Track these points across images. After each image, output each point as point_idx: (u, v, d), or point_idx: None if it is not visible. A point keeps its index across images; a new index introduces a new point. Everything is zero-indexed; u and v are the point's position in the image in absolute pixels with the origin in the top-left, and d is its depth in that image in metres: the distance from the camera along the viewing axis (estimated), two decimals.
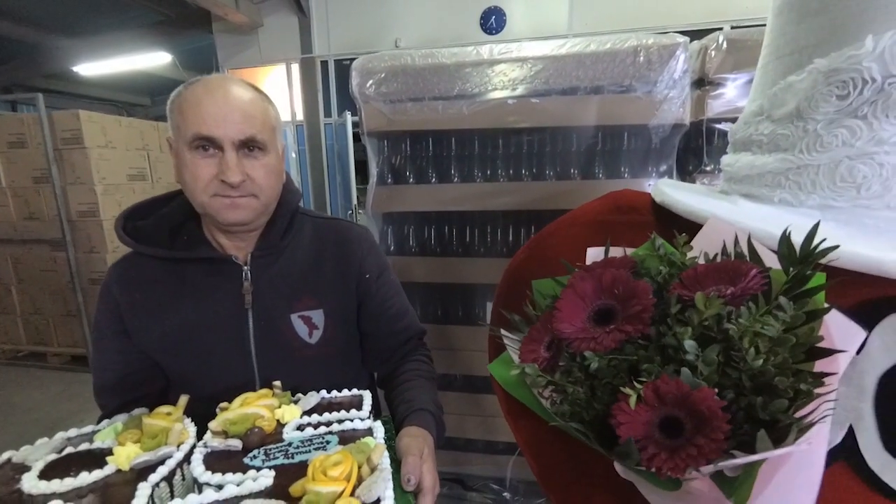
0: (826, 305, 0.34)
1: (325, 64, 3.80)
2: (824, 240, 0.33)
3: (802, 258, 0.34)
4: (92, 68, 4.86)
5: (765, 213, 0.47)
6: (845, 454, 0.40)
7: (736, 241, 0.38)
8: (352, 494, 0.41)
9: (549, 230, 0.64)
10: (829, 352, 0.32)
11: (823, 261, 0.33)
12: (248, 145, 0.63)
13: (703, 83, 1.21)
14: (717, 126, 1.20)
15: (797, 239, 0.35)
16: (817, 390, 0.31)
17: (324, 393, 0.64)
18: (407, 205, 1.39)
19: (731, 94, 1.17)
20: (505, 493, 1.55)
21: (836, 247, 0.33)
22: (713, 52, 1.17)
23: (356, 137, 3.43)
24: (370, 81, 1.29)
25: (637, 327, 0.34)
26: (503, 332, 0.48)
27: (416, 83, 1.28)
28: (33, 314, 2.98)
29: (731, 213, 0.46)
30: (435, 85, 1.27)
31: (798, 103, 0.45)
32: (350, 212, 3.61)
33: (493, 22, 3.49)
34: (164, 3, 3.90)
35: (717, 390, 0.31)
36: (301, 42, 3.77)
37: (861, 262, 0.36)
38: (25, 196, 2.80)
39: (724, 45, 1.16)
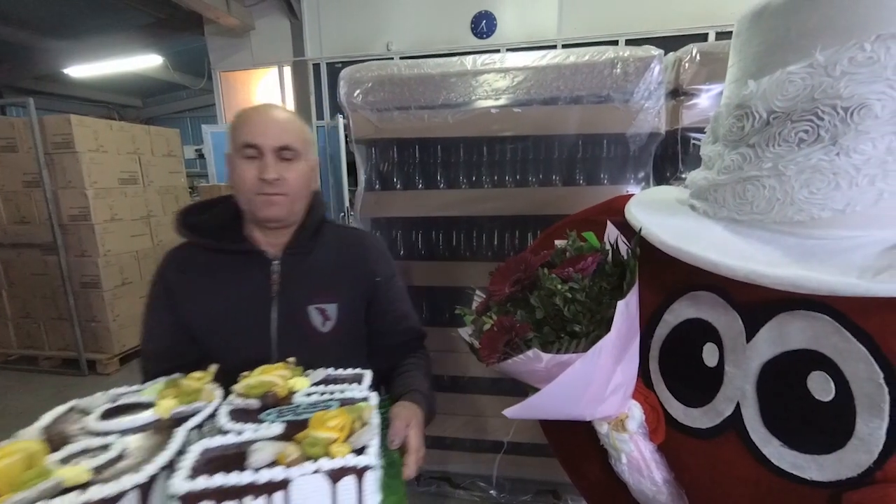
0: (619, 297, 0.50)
1: (317, 67, 3.83)
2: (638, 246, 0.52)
3: (632, 251, 0.51)
4: (83, 70, 4.85)
5: (681, 224, 0.54)
6: (735, 427, 0.48)
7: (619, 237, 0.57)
8: (345, 441, 0.51)
9: (556, 226, 0.77)
10: (611, 319, 0.48)
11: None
12: (284, 151, 0.76)
13: (678, 93, 1.26)
14: (692, 135, 1.25)
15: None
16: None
17: (330, 370, 0.73)
18: (394, 210, 1.43)
19: (705, 104, 1.22)
20: (492, 491, 1.59)
21: (637, 246, 0.52)
22: (687, 64, 1.21)
23: (349, 140, 3.46)
24: (357, 91, 1.33)
25: (517, 288, 0.55)
26: (477, 291, 0.65)
27: (403, 92, 1.32)
28: (24, 318, 2.98)
29: (649, 223, 0.54)
30: (421, 94, 1.31)
31: (721, 130, 0.52)
32: (342, 214, 3.63)
33: (483, 26, 3.53)
34: (155, 5, 3.90)
35: (537, 326, 0.51)
36: (293, 45, 3.79)
37: (723, 269, 0.44)
38: (16, 200, 2.80)
39: (698, 57, 1.21)
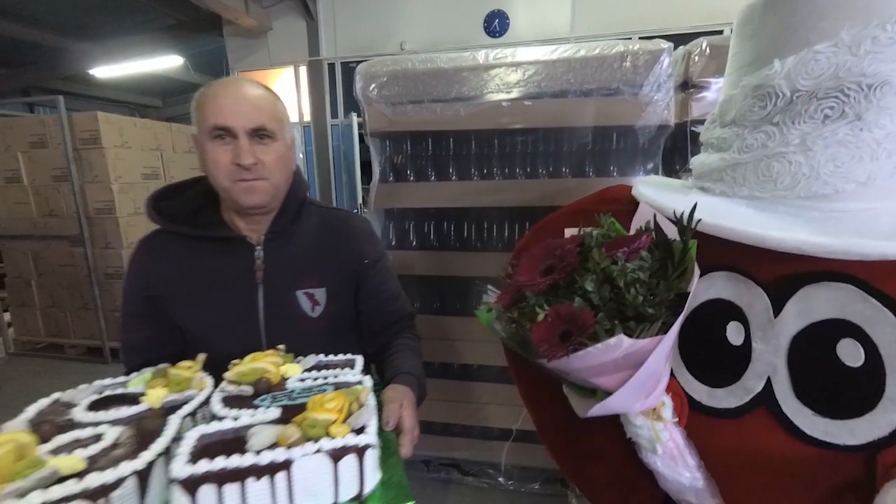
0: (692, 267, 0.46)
1: (331, 66, 3.89)
2: (699, 220, 0.47)
3: (681, 230, 0.47)
4: (107, 71, 5.01)
5: (703, 203, 0.54)
6: (765, 402, 0.49)
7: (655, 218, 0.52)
8: (343, 422, 0.51)
9: (550, 217, 0.77)
10: (684, 297, 0.45)
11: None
12: (259, 133, 0.72)
13: (687, 86, 1.28)
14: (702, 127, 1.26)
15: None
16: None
17: (321, 356, 0.72)
18: (407, 201, 1.47)
19: (714, 96, 1.23)
20: (500, 479, 1.61)
21: (699, 220, 0.47)
22: (696, 57, 1.23)
23: (362, 138, 3.51)
24: (373, 85, 1.37)
25: (560, 275, 0.48)
26: (489, 286, 0.60)
27: (416, 86, 1.36)
28: (52, 307, 3.10)
29: (674, 202, 0.54)
30: (434, 88, 1.35)
31: (735, 112, 0.54)
32: (355, 210, 3.69)
33: (496, 25, 3.55)
34: (177, 7, 4.02)
35: (595, 313, 0.44)
36: (309, 45, 3.86)
37: (771, 242, 0.45)
38: (45, 194, 2.92)
39: (707, 50, 1.22)
